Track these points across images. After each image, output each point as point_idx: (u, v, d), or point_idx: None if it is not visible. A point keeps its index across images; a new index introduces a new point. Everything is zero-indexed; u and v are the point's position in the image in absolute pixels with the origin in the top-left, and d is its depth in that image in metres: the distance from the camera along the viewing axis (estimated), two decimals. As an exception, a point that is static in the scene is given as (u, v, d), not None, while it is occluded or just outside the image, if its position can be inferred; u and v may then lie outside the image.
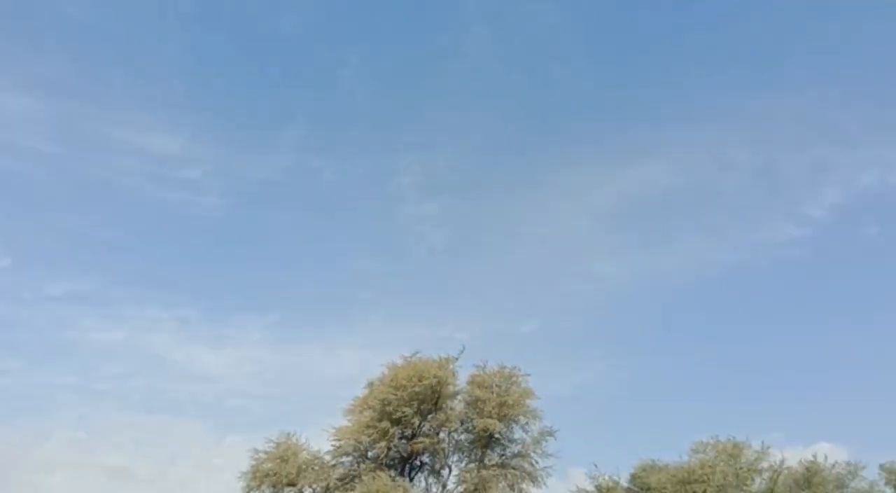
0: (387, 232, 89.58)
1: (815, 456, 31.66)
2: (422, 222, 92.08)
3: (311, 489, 31.59)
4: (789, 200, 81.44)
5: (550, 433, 32.46)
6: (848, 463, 31.18)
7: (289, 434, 32.29)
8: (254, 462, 31.29)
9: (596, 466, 35.64)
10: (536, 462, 32.22)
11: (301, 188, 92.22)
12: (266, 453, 31.47)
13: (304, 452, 31.90)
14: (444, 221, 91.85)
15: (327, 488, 31.29)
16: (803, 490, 29.98)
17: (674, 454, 32.89)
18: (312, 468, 31.38)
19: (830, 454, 32.57)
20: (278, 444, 31.77)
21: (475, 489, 31.18)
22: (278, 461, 30.89)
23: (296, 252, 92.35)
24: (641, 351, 78.38)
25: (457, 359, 32.78)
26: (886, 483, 33.31)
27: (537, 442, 32.42)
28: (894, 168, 78.37)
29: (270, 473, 30.67)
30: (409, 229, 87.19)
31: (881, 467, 34.09)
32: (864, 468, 31.02)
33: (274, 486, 30.94)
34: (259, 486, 30.96)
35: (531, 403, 32.44)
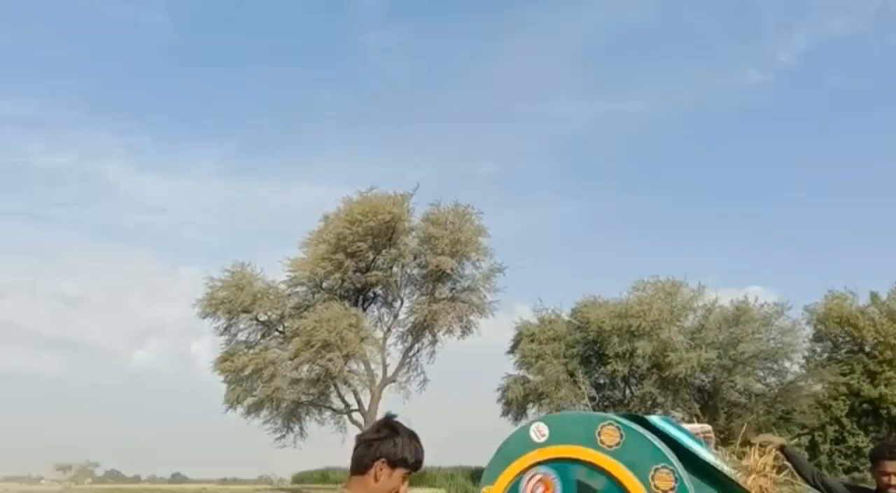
0: (346, 61, 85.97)
1: (745, 297, 33.63)
2: (383, 53, 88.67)
3: (266, 316, 32.60)
4: (758, 43, 79.76)
5: (500, 270, 33.65)
6: (776, 304, 33.21)
7: (243, 264, 32.74)
8: (209, 290, 31.83)
9: (541, 300, 37.43)
10: (485, 297, 33.68)
11: (254, 9, 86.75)
12: (221, 281, 31.96)
13: (259, 281, 32.52)
14: (406, 52, 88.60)
15: (282, 315, 32.29)
16: (731, 327, 32.02)
17: (615, 291, 34.61)
18: (268, 297, 32.15)
19: (761, 296, 34.63)
20: (233, 273, 32.22)
21: (425, 320, 32.62)
22: (233, 288, 31.45)
23: (250, 79, 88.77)
24: (595, 193, 79.96)
25: (412, 196, 33.06)
26: (808, 323, 35.92)
27: (487, 278, 33.65)
28: (867, 15, 76.60)
29: (226, 300, 31.33)
30: (370, 60, 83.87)
31: (805, 308, 36.63)
32: (789, 308, 33.12)
33: (229, 313, 31.75)
34: (214, 312, 31.72)
35: (483, 240, 33.29)
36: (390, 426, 2.34)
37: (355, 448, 2.33)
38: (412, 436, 2.34)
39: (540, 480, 3.00)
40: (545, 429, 3.12)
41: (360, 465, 2.28)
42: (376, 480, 2.26)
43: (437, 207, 33.19)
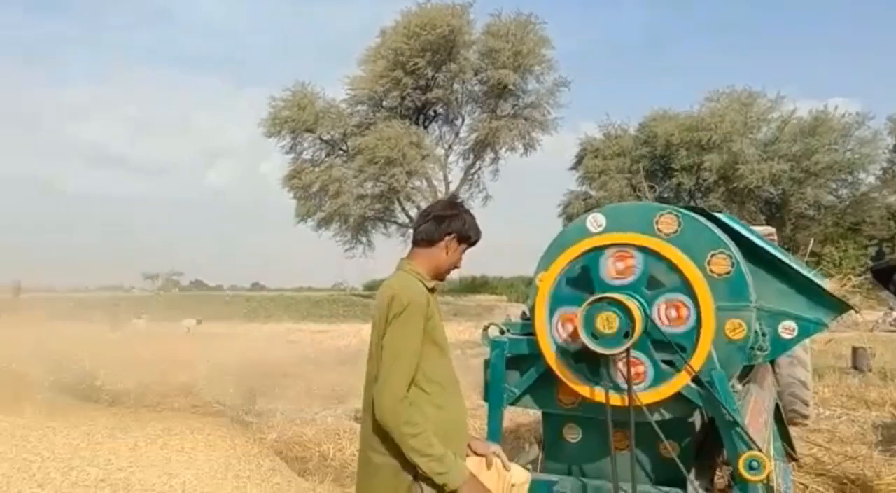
0: None
1: (825, 107, 31.87)
2: None
3: (329, 135, 32.92)
4: None
5: (564, 84, 32.62)
6: (858, 114, 31.41)
7: (304, 84, 32.62)
8: (272, 110, 32.13)
9: (608, 116, 36.45)
10: (549, 113, 32.95)
11: None
12: (283, 100, 32.11)
13: (321, 100, 32.54)
14: None
15: (344, 134, 32.54)
16: (807, 138, 30.70)
17: (686, 105, 33.28)
18: (329, 116, 32.28)
19: (842, 106, 32.72)
20: (294, 92, 32.24)
21: (486, 138, 32.38)
22: (296, 108, 31.63)
23: None
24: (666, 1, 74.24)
25: (472, 4, 31.55)
26: (889, 133, 34.02)
27: (551, 93, 32.74)
28: None
29: (289, 119, 31.65)
30: None
31: (889, 117, 34.53)
32: (871, 118, 31.28)
33: (293, 132, 32.19)
34: (279, 132, 32.22)
35: (547, 52, 31.98)
36: (459, 205, 2.48)
37: (421, 223, 2.44)
38: (473, 216, 2.47)
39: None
40: (602, 219, 3.11)
41: (429, 238, 2.40)
42: (447, 253, 2.40)
43: (499, 17, 31.78)
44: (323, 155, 33.34)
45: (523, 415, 6.20)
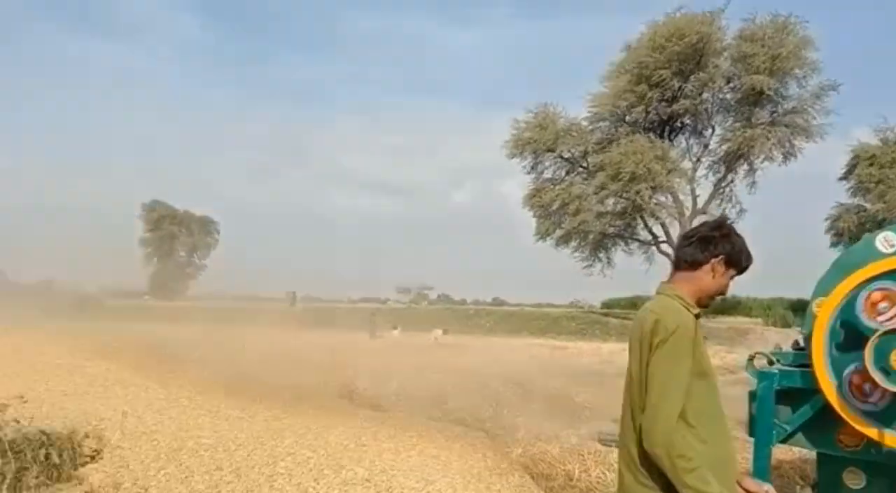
0: None
1: None
2: None
3: (569, 153, 32.98)
4: None
5: (832, 88, 29.37)
6: None
7: (546, 104, 33.06)
8: (514, 132, 32.94)
9: (885, 119, 32.14)
10: (813, 118, 29.88)
11: None
12: (526, 122, 32.82)
13: (562, 119, 32.74)
14: None
15: (585, 151, 32.38)
16: None
17: None
18: (570, 134, 32.35)
19: None
20: (536, 113, 32.81)
21: (739, 148, 30.22)
22: (537, 129, 32.15)
23: None
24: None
25: (723, 11, 29.80)
26: None
27: (816, 97, 29.68)
28: None
29: (531, 140, 32.24)
30: None
31: None
32: None
33: (535, 152, 32.75)
34: (521, 153, 32.95)
35: (809, 55, 29.11)
36: (728, 227, 2.29)
37: (685, 245, 2.29)
38: (744, 240, 2.28)
39: (886, 295, 2.67)
40: (895, 239, 2.75)
41: (693, 260, 2.25)
42: (714, 276, 2.23)
43: (753, 21, 29.65)
44: (563, 173, 33.44)
45: (786, 452, 5.65)
